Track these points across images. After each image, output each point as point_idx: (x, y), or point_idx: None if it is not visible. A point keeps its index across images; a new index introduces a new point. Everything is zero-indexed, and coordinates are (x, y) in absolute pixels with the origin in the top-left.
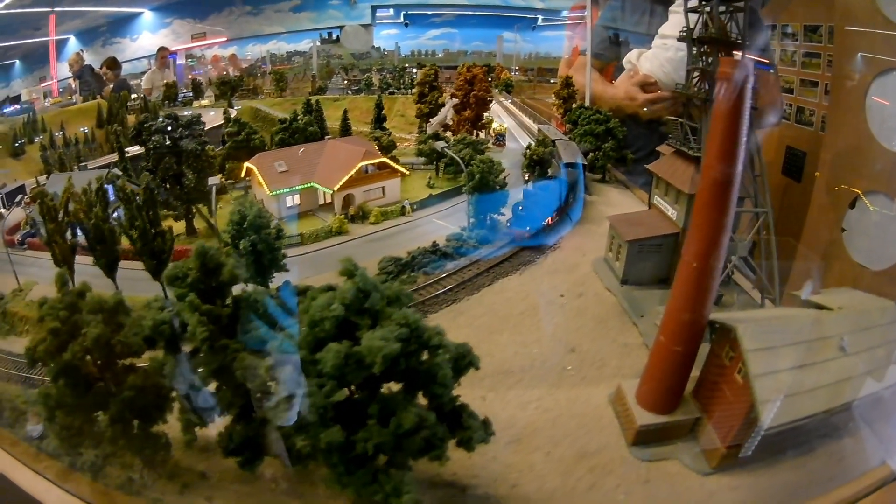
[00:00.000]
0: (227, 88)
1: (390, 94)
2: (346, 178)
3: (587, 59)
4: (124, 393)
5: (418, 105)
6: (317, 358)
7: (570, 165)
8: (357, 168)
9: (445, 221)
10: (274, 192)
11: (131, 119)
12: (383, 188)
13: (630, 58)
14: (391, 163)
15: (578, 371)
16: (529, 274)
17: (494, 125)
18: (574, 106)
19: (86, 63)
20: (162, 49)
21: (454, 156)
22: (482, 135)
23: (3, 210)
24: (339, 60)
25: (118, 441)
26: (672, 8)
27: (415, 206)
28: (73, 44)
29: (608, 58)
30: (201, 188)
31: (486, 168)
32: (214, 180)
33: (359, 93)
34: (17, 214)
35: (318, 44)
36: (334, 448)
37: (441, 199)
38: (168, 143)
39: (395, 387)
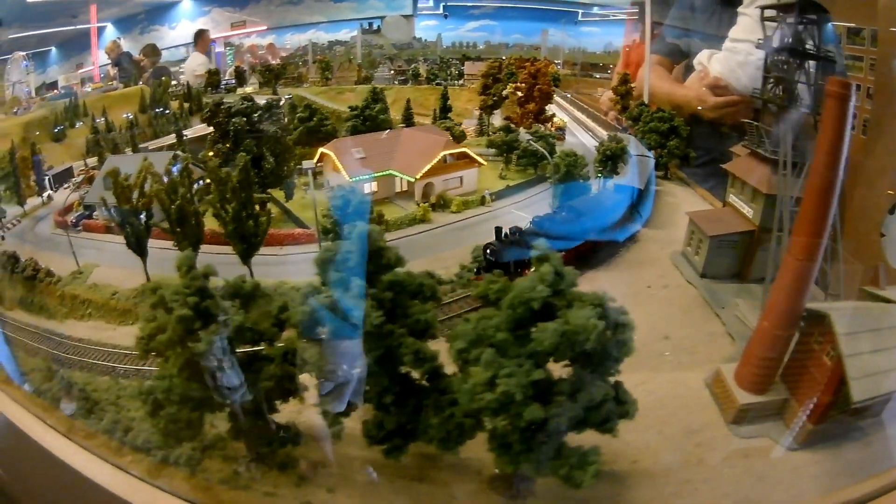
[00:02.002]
0: (271, 76)
1: (437, 85)
2: (428, 166)
3: (649, 57)
4: (262, 383)
5: (482, 97)
6: (533, 337)
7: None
8: (439, 157)
9: (524, 212)
10: (354, 179)
11: (175, 105)
12: (461, 178)
13: (701, 59)
14: (471, 153)
15: (674, 356)
16: (616, 266)
17: (555, 119)
18: (633, 103)
19: (123, 51)
20: (203, 32)
21: (540, 149)
22: (543, 128)
23: (51, 192)
24: (381, 51)
25: (242, 434)
26: (740, 10)
27: (494, 197)
28: (110, 31)
29: (677, 57)
30: (279, 172)
31: (571, 161)
32: (310, 163)
33: (405, 83)
34: (64, 196)
35: (359, 34)
36: (530, 425)
37: (517, 190)
38: (248, 125)
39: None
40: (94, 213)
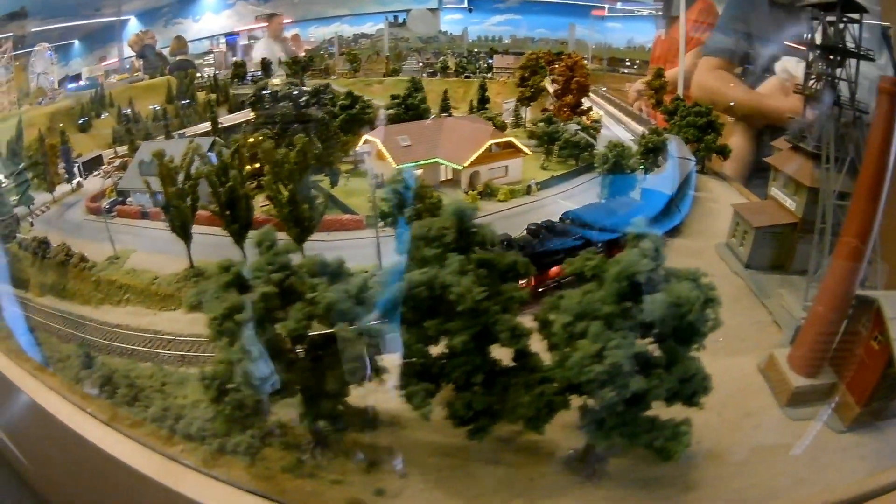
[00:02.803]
0: (298, 67)
1: (466, 77)
2: (475, 154)
3: (684, 52)
4: (348, 364)
5: (520, 89)
6: (643, 308)
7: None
8: (486, 146)
9: (570, 202)
10: (400, 166)
11: (201, 96)
12: (506, 167)
13: (787, 67)
14: (516, 142)
15: (727, 343)
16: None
17: (592, 113)
18: (666, 97)
19: (146, 43)
20: (275, 16)
21: (589, 139)
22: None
23: (80, 179)
24: (407, 44)
25: (317, 418)
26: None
27: (539, 186)
28: (134, 24)
29: (735, 60)
30: (326, 158)
31: (620, 152)
32: (365, 149)
33: (434, 76)
34: (95, 183)
35: (384, 26)
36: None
37: (561, 180)
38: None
39: None
40: (128, 199)
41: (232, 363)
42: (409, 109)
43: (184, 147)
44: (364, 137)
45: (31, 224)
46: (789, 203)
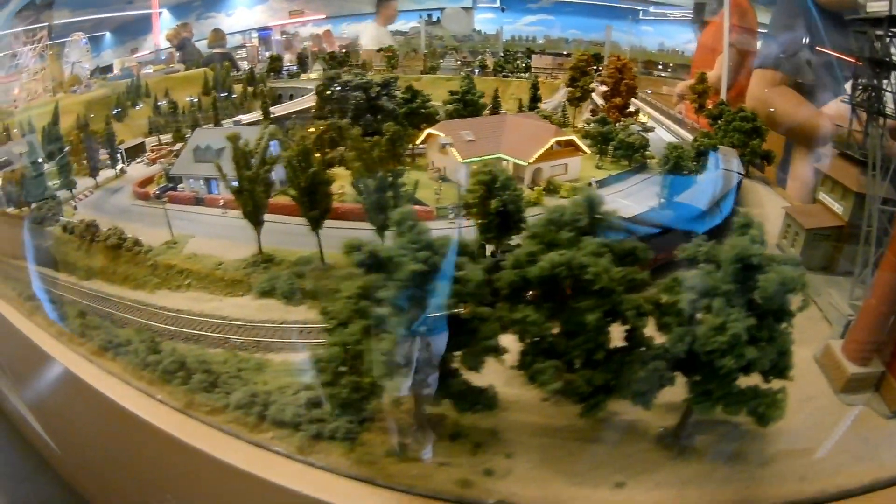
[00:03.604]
0: (335, 63)
1: (504, 77)
2: (540, 151)
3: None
4: (482, 343)
5: (569, 89)
6: (759, 285)
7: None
8: (550, 143)
9: (628, 201)
10: (465, 161)
11: (238, 88)
12: (566, 165)
13: None
14: (577, 141)
15: None
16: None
17: (641, 116)
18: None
19: (184, 35)
20: (388, 2)
21: (646, 141)
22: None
23: (123, 165)
24: (441, 42)
25: (446, 397)
26: None
27: (598, 184)
28: (167, 18)
29: (791, 73)
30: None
31: (680, 154)
32: (446, 140)
33: (472, 73)
34: (138, 169)
35: (418, 24)
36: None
37: (618, 179)
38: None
39: None
40: (180, 186)
41: (348, 345)
42: (466, 105)
43: (256, 133)
44: (427, 131)
45: (75, 208)
46: (836, 207)
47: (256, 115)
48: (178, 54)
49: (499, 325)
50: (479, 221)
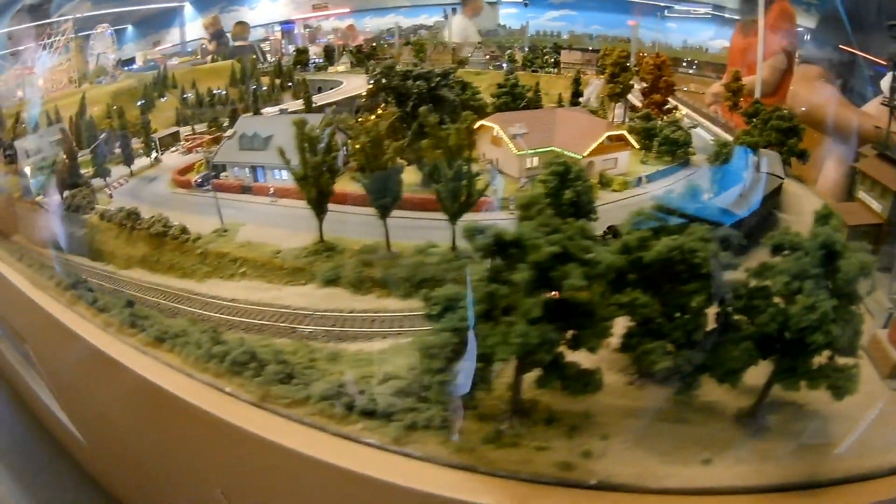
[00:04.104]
0: (362, 57)
1: (533, 72)
2: (594, 145)
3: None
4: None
5: (609, 85)
6: (841, 269)
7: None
8: (603, 137)
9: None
10: (520, 153)
11: (265, 80)
12: (616, 159)
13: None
14: (628, 136)
15: None
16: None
17: (679, 113)
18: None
19: (218, 27)
20: None
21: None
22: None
23: (157, 154)
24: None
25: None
26: None
27: (647, 179)
28: (189, 12)
29: (835, 72)
30: None
31: (731, 150)
32: (516, 129)
33: (500, 68)
34: (173, 158)
35: (444, 18)
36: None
37: (664, 174)
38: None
39: None
40: (223, 174)
41: (457, 330)
42: (515, 98)
43: (319, 120)
44: (479, 123)
45: (110, 196)
46: (875, 205)
47: (292, 104)
48: (212, 44)
49: (616, 308)
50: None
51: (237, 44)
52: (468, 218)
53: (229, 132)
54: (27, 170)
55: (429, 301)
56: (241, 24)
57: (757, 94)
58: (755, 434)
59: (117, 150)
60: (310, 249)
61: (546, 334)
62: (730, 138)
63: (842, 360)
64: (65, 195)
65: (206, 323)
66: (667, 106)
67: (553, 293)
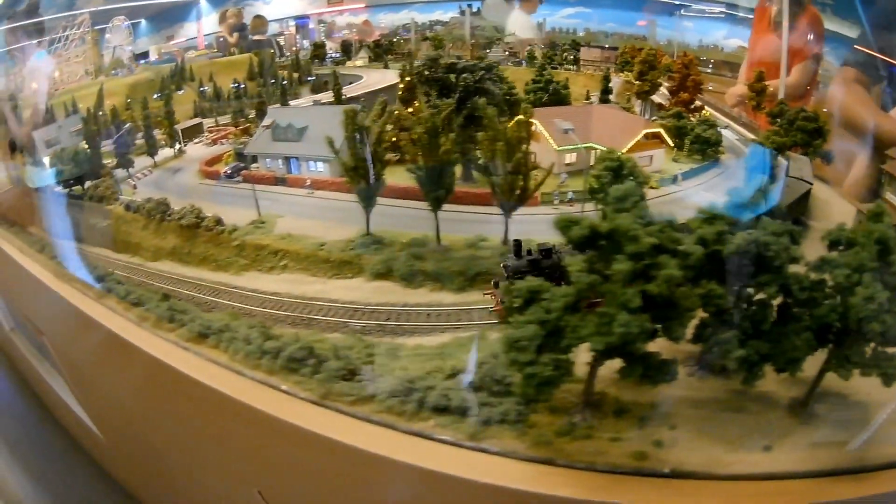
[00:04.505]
0: (380, 52)
1: (553, 69)
2: (633, 142)
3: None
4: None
5: (637, 83)
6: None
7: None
8: (642, 134)
9: (710, 194)
10: (561, 149)
11: (284, 75)
12: (651, 157)
13: None
14: (664, 133)
15: None
16: None
17: (706, 112)
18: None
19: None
20: None
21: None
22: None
23: (180, 145)
24: (482, 32)
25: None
26: None
27: (682, 177)
28: (204, 6)
29: (875, 76)
30: None
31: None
32: (566, 125)
33: (519, 65)
34: (197, 149)
35: (461, 14)
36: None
37: (697, 172)
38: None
39: None
40: (253, 165)
41: (543, 323)
42: (550, 94)
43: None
44: (517, 117)
45: (134, 187)
46: None
47: (313, 98)
48: (233, 37)
49: (698, 298)
50: (601, 207)
51: (255, 37)
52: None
53: (267, 121)
54: (45, 160)
55: (510, 294)
56: (259, 18)
57: (780, 96)
58: (806, 422)
59: (138, 142)
60: (356, 242)
61: (644, 324)
62: (754, 137)
63: (891, 349)
64: (86, 185)
65: (250, 318)
66: (693, 105)
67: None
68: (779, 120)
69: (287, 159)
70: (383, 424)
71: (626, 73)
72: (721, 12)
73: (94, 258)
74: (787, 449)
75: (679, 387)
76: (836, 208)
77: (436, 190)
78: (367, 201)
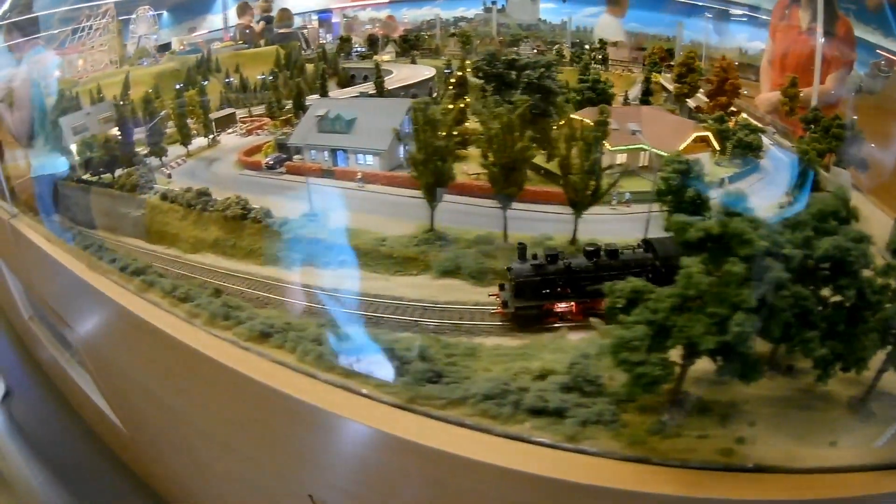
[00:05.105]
0: (407, 47)
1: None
2: (684, 144)
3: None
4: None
5: (677, 85)
6: None
7: None
8: (692, 137)
9: (756, 198)
10: (614, 148)
11: (310, 67)
12: (698, 160)
13: None
14: (711, 137)
15: None
16: None
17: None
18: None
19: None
20: None
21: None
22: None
23: (214, 135)
24: (507, 30)
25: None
26: None
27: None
28: None
29: None
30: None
31: (812, 156)
32: (634, 125)
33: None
34: (232, 139)
35: (485, 10)
36: None
37: (740, 176)
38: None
39: None
40: (295, 156)
41: (650, 323)
42: (598, 94)
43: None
44: (570, 116)
45: (169, 176)
46: None
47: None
48: (259, 25)
49: (792, 299)
50: (668, 209)
51: (281, 30)
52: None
53: (314, 112)
54: (73, 147)
55: (613, 294)
56: (285, 11)
57: (814, 103)
58: (865, 420)
59: (168, 130)
60: (420, 238)
61: (756, 323)
62: (790, 144)
63: None
64: (117, 174)
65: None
66: (731, 108)
67: None
68: (813, 126)
69: (333, 151)
70: (477, 428)
71: (654, 73)
72: (744, 14)
73: (127, 249)
74: (848, 444)
75: (753, 386)
76: (875, 223)
77: (509, 187)
78: (434, 196)
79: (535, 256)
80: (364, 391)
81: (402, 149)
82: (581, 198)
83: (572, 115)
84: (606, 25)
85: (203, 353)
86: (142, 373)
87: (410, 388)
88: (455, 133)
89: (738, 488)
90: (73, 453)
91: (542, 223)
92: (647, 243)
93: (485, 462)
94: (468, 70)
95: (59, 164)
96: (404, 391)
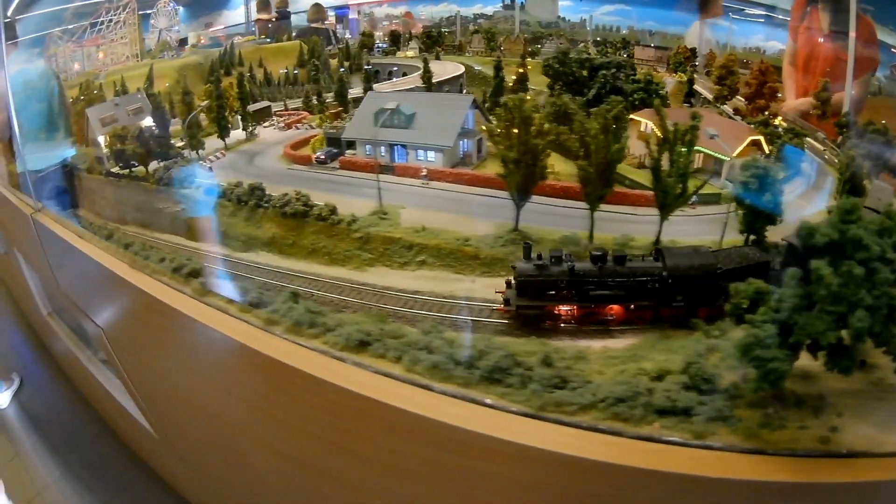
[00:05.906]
0: (430, 43)
1: None
2: (741, 148)
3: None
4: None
5: (716, 87)
6: None
7: None
8: (748, 140)
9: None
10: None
11: (333, 63)
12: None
13: None
14: (763, 141)
15: None
16: None
17: (777, 120)
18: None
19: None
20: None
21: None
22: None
23: (252, 128)
24: (527, 27)
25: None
26: None
27: None
28: None
29: None
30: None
31: (858, 162)
32: (712, 130)
33: None
34: (270, 133)
35: (504, 7)
36: None
37: (786, 180)
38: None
39: None
40: (347, 151)
41: (776, 322)
42: (650, 94)
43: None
44: (630, 116)
45: (210, 169)
46: None
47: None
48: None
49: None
50: (743, 212)
51: (313, 26)
52: None
53: (380, 105)
54: (101, 140)
55: (738, 295)
56: (317, 7)
57: (846, 108)
58: None
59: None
60: (506, 238)
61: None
62: (822, 148)
63: None
64: (153, 168)
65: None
66: (768, 112)
67: None
68: (845, 130)
69: (391, 147)
70: (610, 432)
71: (678, 74)
72: (765, 14)
73: (172, 247)
74: None
75: (833, 379)
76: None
77: (601, 188)
78: (523, 196)
79: (539, 256)
80: (488, 401)
81: (463, 144)
82: (670, 200)
83: (631, 117)
84: (696, 32)
85: (296, 367)
86: (182, 379)
87: (539, 396)
88: (547, 131)
89: (839, 473)
90: (91, 451)
91: (623, 224)
92: (658, 252)
93: (620, 465)
94: (529, 67)
95: (83, 157)
96: (534, 398)
